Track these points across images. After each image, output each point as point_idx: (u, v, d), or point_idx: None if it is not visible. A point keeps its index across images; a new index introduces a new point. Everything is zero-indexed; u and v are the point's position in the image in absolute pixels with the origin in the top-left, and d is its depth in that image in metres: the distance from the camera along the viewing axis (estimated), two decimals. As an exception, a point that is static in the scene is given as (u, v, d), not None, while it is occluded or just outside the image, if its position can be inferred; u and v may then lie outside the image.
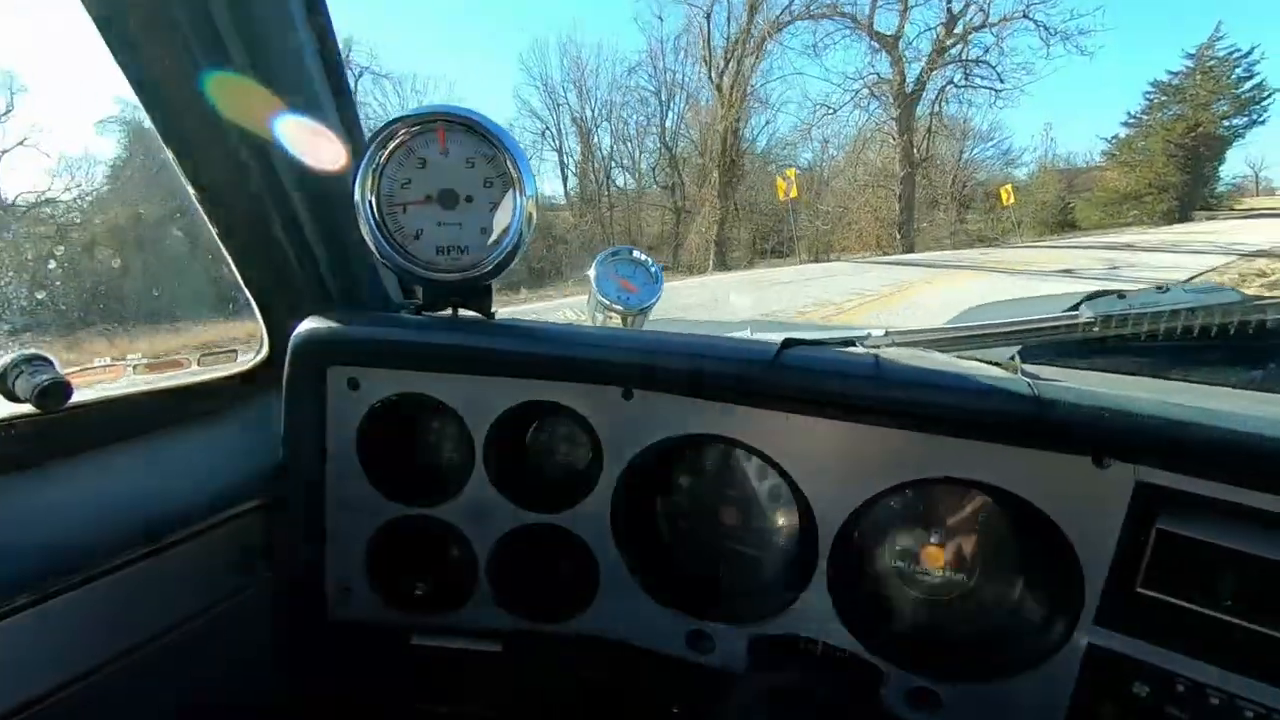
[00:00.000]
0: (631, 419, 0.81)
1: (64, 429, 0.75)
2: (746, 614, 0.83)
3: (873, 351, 0.75)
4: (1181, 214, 30.88)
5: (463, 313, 0.86)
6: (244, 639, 0.89)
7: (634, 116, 26.97)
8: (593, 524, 0.85)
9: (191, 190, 0.80)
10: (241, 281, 0.90)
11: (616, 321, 1.15)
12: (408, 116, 0.76)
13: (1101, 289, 1.05)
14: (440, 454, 0.91)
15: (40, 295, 0.78)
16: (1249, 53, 30.14)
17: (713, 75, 24.80)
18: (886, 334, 1.16)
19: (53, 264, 0.81)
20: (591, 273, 1.15)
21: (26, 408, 0.72)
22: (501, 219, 0.79)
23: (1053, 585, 0.72)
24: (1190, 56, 31.59)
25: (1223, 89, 30.58)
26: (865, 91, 25.72)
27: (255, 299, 0.92)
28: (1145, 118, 32.91)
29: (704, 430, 0.80)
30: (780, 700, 0.81)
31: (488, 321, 0.85)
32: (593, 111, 26.46)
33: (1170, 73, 32.52)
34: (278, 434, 0.88)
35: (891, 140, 25.60)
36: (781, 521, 0.85)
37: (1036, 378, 0.71)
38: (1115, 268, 12.31)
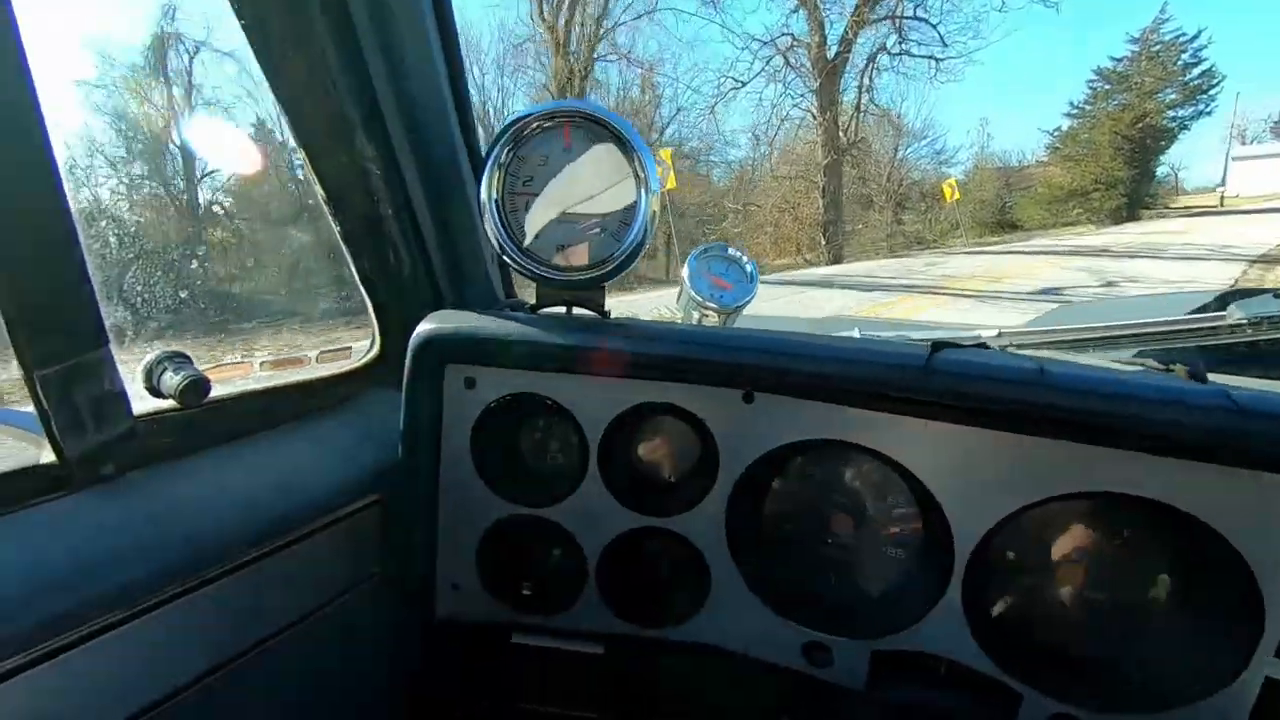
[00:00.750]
0: (752, 423, 0.79)
1: (201, 423, 0.78)
2: (870, 627, 0.79)
3: (1028, 354, 0.70)
4: (1130, 212, 28.05)
5: (576, 311, 0.85)
6: (356, 633, 0.90)
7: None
8: (706, 529, 0.83)
9: (320, 193, 0.82)
10: (359, 281, 0.91)
11: (712, 319, 1.13)
12: (535, 113, 0.75)
13: (1243, 288, 0.98)
14: (552, 454, 0.91)
15: (183, 294, 0.81)
16: (1195, 37, 27.40)
17: (544, 12, 17.15)
18: (1000, 334, 1.11)
19: (194, 263, 0.84)
20: (684, 270, 1.14)
21: (169, 402, 0.74)
22: (625, 216, 0.78)
23: (1224, 613, 0.66)
24: (1134, 41, 28.68)
25: (1170, 76, 27.73)
26: (779, 59, 20.41)
27: (370, 298, 0.93)
28: (1089, 107, 29.73)
29: (831, 436, 0.76)
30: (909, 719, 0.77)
31: (603, 320, 0.84)
32: (494, 105, 20.39)
33: (1114, 59, 29.43)
34: (389, 429, 0.88)
35: (813, 118, 20.10)
36: (909, 532, 0.81)
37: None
38: (1111, 284, 10.09)
